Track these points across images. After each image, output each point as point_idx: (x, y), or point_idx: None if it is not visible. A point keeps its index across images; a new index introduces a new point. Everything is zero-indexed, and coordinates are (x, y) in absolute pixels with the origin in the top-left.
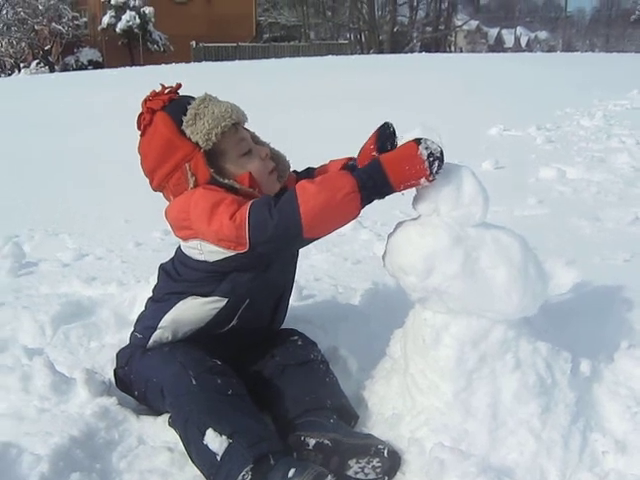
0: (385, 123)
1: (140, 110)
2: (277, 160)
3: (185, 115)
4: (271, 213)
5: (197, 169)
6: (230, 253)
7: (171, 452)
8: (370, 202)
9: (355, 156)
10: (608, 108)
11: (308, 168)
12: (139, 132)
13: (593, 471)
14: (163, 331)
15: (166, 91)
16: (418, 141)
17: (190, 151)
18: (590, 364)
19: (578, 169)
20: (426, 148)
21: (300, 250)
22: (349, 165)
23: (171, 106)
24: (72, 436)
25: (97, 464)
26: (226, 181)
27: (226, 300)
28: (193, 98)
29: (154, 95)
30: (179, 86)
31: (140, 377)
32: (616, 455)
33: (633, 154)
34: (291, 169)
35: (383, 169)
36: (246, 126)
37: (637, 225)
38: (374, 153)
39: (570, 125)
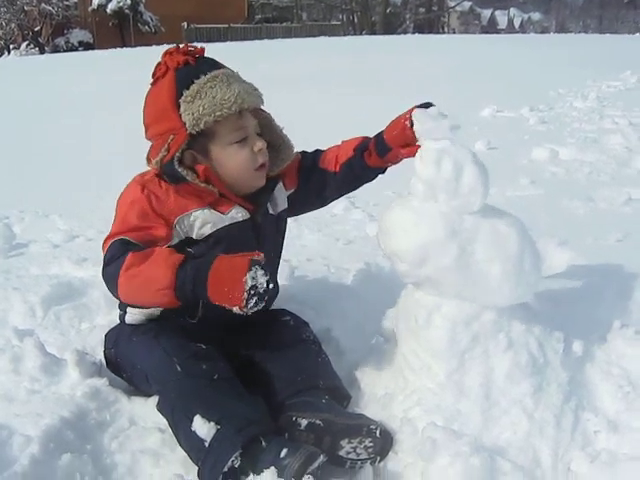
0: (427, 102)
1: (159, 60)
2: (278, 149)
3: (188, 89)
4: (103, 267)
5: (172, 147)
6: None
7: (162, 433)
8: (187, 301)
9: (369, 136)
10: (601, 89)
11: (316, 150)
12: (151, 80)
13: (585, 450)
14: (132, 309)
15: (188, 50)
16: (251, 266)
17: (177, 127)
18: (582, 344)
19: (571, 150)
20: (253, 278)
21: (292, 230)
22: (362, 145)
23: (183, 71)
24: (63, 417)
25: (88, 445)
26: (180, 169)
27: None
28: (216, 67)
29: (175, 51)
30: (202, 50)
31: (126, 361)
32: (608, 434)
33: (626, 135)
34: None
35: (206, 281)
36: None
37: (630, 205)
38: (407, 122)
39: (563, 106)
